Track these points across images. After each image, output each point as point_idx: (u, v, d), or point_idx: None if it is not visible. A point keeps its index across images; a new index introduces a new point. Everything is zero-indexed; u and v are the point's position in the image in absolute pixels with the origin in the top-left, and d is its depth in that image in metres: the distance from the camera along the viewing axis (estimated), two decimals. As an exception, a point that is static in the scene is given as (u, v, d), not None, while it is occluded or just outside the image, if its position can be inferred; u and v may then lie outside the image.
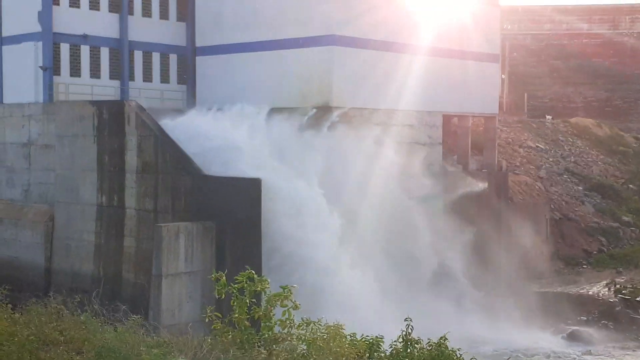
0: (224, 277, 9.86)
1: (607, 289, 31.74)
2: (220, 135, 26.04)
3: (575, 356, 26.71)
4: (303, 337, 9.65)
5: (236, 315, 9.22)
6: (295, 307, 10.07)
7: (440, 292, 28.42)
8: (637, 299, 30.63)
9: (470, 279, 29.74)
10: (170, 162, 25.31)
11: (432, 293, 27.51)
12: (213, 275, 9.92)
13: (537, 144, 43.97)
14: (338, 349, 10.14)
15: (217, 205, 23.99)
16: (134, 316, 11.81)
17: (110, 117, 27.01)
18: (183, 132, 26.10)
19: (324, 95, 29.85)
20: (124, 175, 26.53)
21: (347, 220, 25.62)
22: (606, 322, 29.64)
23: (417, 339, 10.91)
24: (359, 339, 11.27)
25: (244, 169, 24.34)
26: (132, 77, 33.38)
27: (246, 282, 9.87)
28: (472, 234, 30.60)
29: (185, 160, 25.06)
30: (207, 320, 9.35)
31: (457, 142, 36.90)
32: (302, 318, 10.33)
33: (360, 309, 23.13)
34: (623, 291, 31.22)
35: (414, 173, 29.97)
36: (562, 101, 58.11)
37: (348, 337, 10.90)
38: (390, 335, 11.16)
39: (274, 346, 9.05)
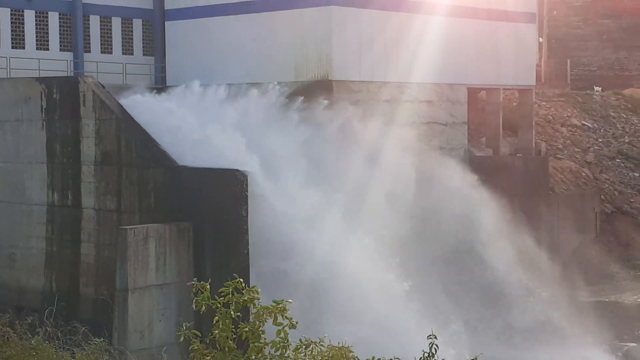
0: (208, 289, 9.87)
1: (669, 296, 31.86)
2: (198, 120, 26.06)
3: (632, 379, 26.88)
4: (301, 361, 9.68)
5: (218, 332, 9.25)
6: (292, 326, 10.09)
7: (468, 305, 28.55)
8: None
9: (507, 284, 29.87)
10: (137, 151, 25.36)
11: (455, 304, 27.69)
12: (194, 285, 9.92)
13: (583, 122, 44.00)
14: (344, 375, 10.19)
15: (194, 203, 24.05)
16: (96, 339, 11.84)
17: (62, 98, 27.03)
18: (150, 116, 26.11)
19: (322, 67, 29.90)
20: (79, 168, 26.58)
21: (349, 220, 25.70)
22: (671, 337, 29.75)
23: (439, 360, 10.96)
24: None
25: (226, 160, 24.35)
26: (87, 49, 33.41)
27: (233, 294, 9.89)
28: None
29: (154, 149, 25.11)
30: (181, 339, 9.38)
31: (485, 121, 36.96)
32: (299, 339, 10.36)
33: (373, 313, 23.31)
34: (689, 299, 31.34)
35: (431, 162, 30.04)
36: (613, 69, 58.04)
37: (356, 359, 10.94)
38: (415, 350, 11.21)
39: (265, 371, 9.10)
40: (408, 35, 31.24)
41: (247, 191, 23.57)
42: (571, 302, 30.56)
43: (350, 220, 25.75)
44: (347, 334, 19.39)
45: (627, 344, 29.41)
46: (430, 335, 9.61)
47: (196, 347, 9.40)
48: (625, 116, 46.39)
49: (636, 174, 41.53)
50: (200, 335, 9.49)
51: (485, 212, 30.10)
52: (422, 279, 27.06)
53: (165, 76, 34.22)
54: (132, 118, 25.82)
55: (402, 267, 26.09)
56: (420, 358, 10.10)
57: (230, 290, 9.95)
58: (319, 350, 10.41)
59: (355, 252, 25.23)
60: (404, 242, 26.90)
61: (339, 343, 10.72)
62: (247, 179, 23.55)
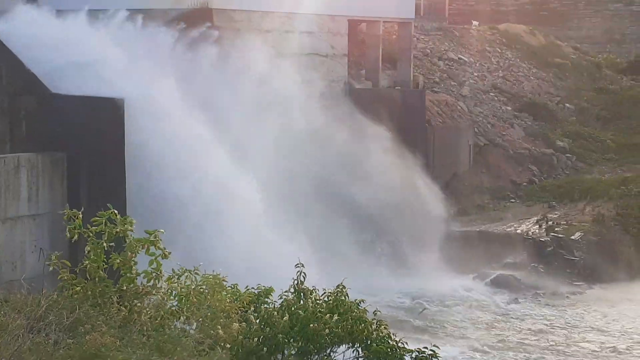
0: (80, 217, 9.77)
1: (537, 226, 33.15)
2: (71, 47, 25.19)
3: (500, 304, 28.01)
4: (173, 291, 9.73)
5: (88, 262, 9.19)
6: (165, 256, 10.10)
7: (345, 233, 29.09)
8: (572, 237, 32.21)
9: (379, 220, 30.50)
10: (7, 77, 24.45)
11: (335, 233, 28.18)
12: (66, 213, 9.80)
13: (459, 56, 44.84)
14: (217, 303, 10.28)
15: (69, 133, 23.47)
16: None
17: None
18: (22, 40, 25.13)
19: (202, -6, 29.32)
20: (-54, 94, 25.47)
21: (238, 156, 25.65)
22: (536, 265, 31.10)
23: (311, 288, 11.24)
24: (245, 290, 11.49)
25: (104, 88, 23.77)
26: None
27: (106, 224, 9.81)
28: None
29: (26, 76, 24.26)
30: (51, 269, 9.28)
31: (365, 53, 37.21)
32: (172, 269, 10.40)
33: (257, 250, 23.52)
34: (556, 229, 32.72)
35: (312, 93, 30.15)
36: (490, 4, 59.19)
37: (230, 288, 11.07)
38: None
39: (136, 301, 9.10)
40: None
41: (124, 119, 23.13)
42: (441, 232, 31.52)
43: (237, 153, 25.66)
44: (236, 263, 19.66)
45: (495, 271, 30.61)
46: (297, 264, 9.84)
47: (65, 277, 9.31)
48: (500, 51, 47.52)
49: (509, 108, 42.80)
50: (69, 265, 9.40)
51: (366, 143, 30.54)
52: (306, 209, 27.39)
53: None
54: (1, 41, 24.79)
55: (288, 199, 26.31)
56: (290, 285, 10.37)
57: (104, 220, 9.87)
58: (192, 279, 10.48)
59: (242, 185, 25.23)
60: (289, 175, 27.07)
61: (213, 271, 10.83)
62: (124, 107, 23.08)
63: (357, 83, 35.84)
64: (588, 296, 29.55)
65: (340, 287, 11.58)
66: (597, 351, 23.37)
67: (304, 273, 10.38)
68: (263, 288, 11.61)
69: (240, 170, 25.34)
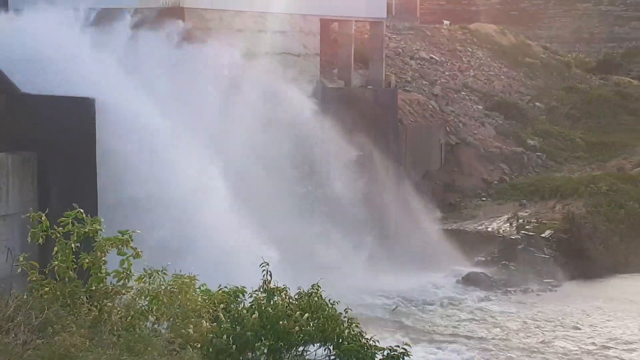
0: (45, 218, 9.71)
1: (508, 224, 33.39)
2: (34, 45, 24.91)
3: (472, 302, 28.16)
4: (143, 291, 9.70)
5: (57, 263, 9.14)
6: (137, 256, 10.09)
7: (318, 231, 29.12)
8: (542, 235, 32.45)
9: (352, 217, 30.56)
10: (-24, 76, 24.20)
11: (307, 231, 28.19)
12: (31, 215, 9.75)
13: (431, 55, 45.03)
14: (188, 303, 10.28)
15: (39, 133, 23.25)
16: None
17: None
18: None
19: (173, -7, 29.19)
20: None
21: (209, 154, 25.56)
22: (507, 263, 31.30)
23: (282, 287, 11.25)
24: (216, 290, 11.48)
25: (70, 87, 23.60)
26: None
27: (73, 224, 9.77)
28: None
29: (-5, 75, 24.05)
30: (19, 270, 9.22)
31: (337, 52, 37.24)
32: (144, 269, 10.38)
33: (229, 249, 23.48)
34: (526, 227, 32.96)
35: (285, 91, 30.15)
36: (461, 3, 59.53)
37: (201, 288, 11.07)
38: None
39: (106, 301, 9.07)
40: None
41: (95, 119, 22.98)
42: (414, 231, 31.63)
43: (210, 152, 25.58)
44: (207, 264, 19.59)
45: (467, 269, 30.79)
46: (262, 263, 9.87)
47: (34, 278, 9.26)
48: (471, 50, 47.77)
49: (480, 107, 43.02)
50: (38, 266, 9.36)
51: (335, 143, 30.58)
52: (279, 208, 27.37)
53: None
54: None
55: (260, 198, 26.29)
56: (261, 285, 10.39)
57: (70, 220, 9.83)
58: (163, 279, 10.47)
59: (214, 184, 25.16)
60: (262, 173, 27.05)
61: (181, 271, 10.83)
62: (95, 106, 22.93)
63: (330, 82, 35.86)
64: (558, 293, 29.78)
65: (315, 286, 11.61)
66: (569, 348, 23.55)
67: (270, 272, 10.43)
68: (234, 287, 11.61)
69: (212, 169, 25.27)
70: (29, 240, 9.34)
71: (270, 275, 10.03)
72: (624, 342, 24.12)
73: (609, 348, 23.50)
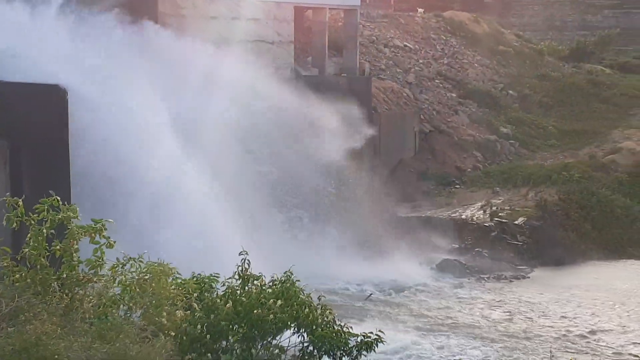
0: (21, 204, 9.64)
1: (482, 211, 33.53)
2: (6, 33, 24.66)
3: (446, 289, 28.26)
4: (116, 279, 9.65)
5: (28, 250, 9.07)
6: (110, 246, 10.03)
7: (293, 219, 29.13)
8: (515, 222, 32.63)
9: (327, 205, 30.59)
10: (-54, 64, 23.90)
11: (283, 219, 28.19)
12: (7, 200, 9.66)
13: (405, 43, 45.05)
14: (162, 291, 10.23)
15: (11, 120, 23.01)
16: None
17: None
18: None
19: (146, -20, 28.97)
20: None
21: (185, 142, 25.47)
22: (480, 250, 31.47)
23: (257, 274, 11.22)
24: (189, 278, 11.45)
25: (43, 75, 23.39)
26: None
27: (49, 211, 9.70)
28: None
29: (-34, 62, 23.76)
30: (-9, 256, 9.15)
31: (311, 40, 37.18)
32: (117, 257, 10.33)
33: (204, 237, 23.45)
34: (500, 214, 33.12)
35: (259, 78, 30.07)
36: (435, -9, 59.48)
37: (174, 277, 11.02)
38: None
39: (78, 289, 9.00)
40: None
41: (67, 107, 22.78)
42: (387, 219, 31.68)
43: (185, 142, 25.48)
44: (183, 252, 19.54)
45: (441, 256, 30.89)
46: (241, 252, 9.83)
47: (6, 264, 9.19)
48: (445, 38, 47.86)
49: (453, 95, 43.15)
50: (9, 252, 9.28)
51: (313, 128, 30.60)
52: (254, 196, 27.36)
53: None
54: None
55: (236, 186, 26.23)
56: (235, 272, 10.34)
57: (46, 207, 9.76)
58: (137, 267, 10.42)
59: (190, 172, 25.09)
60: (238, 162, 27.00)
61: (158, 260, 10.78)
62: (67, 95, 22.74)
63: (304, 70, 35.81)
64: (531, 280, 29.98)
65: (288, 273, 11.60)
66: (540, 334, 23.70)
67: (248, 260, 10.39)
68: (208, 275, 11.58)
69: (188, 157, 25.19)
70: (4, 224, 9.26)
71: (249, 264, 9.99)
72: (596, 329, 24.31)
73: (580, 335, 23.67)
